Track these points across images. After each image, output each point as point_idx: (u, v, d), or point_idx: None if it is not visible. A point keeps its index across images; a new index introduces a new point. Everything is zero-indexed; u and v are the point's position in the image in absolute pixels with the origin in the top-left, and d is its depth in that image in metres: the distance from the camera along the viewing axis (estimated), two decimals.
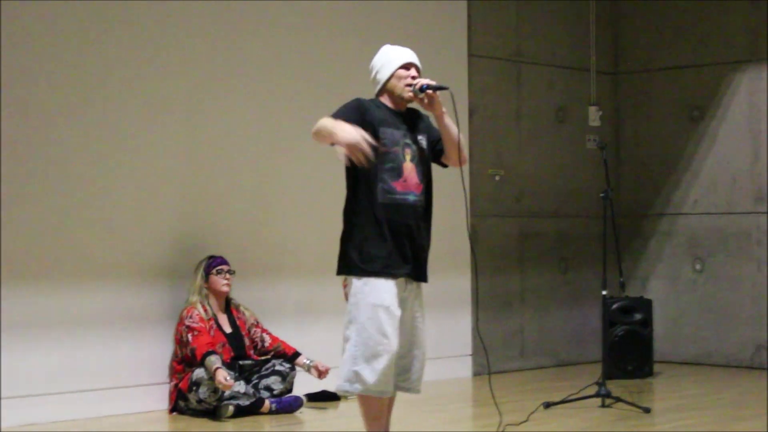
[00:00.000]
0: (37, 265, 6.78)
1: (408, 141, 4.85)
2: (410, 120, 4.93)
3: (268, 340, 7.36)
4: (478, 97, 9.07)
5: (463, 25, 9.02)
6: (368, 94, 5.00)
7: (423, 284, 4.94)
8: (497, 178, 9.24)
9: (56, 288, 6.83)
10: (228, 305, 7.32)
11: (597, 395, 7.18)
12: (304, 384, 7.35)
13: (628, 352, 8.70)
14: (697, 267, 9.63)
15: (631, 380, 8.53)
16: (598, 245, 8.59)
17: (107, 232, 7.05)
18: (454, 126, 4.88)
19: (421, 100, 4.86)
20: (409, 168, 4.81)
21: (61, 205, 6.88)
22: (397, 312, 4.74)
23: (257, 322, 7.41)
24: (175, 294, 7.25)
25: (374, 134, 4.72)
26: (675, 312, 9.69)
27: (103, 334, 6.99)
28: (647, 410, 6.98)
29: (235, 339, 7.20)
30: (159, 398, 7.14)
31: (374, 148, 4.64)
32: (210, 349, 6.84)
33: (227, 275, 7.24)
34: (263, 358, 7.28)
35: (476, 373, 8.86)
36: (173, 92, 7.36)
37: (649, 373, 8.77)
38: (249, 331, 7.34)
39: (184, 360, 7.00)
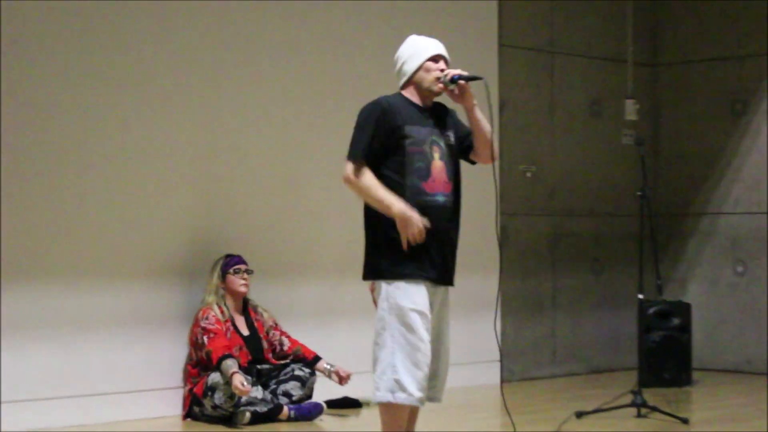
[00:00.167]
0: (44, 264, 6.79)
1: (435, 138, 4.82)
2: (437, 115, 4.90)
3: (287, 344, 7.36)
4: (509, 90, 9.03)
5: (493, 14, 8.98)
6: (396, 88, 4.96)
7: (450, 288, 4.92)
8: (528, 174, 9.21)
9: (64, 288, 6.84)
10: (245, 306, 7.32)
11: (632, 405, 7.15)
12: (324, 390, 7.34)
13: (665, 358, 8.66)
14: (739, 269, 9.58)
15: (668, 389, 8.49)
16: (634, 246, 8.53)
17: (118, 228, 7.05)
18: (485, 120, 4.85)
19: (452, 92, 4.83)
20: (438, 167, 4.78)
21: (68, 201, 6.89)
22: (429, 316, 4.73)
23: (276, 324, 7.40)
24: (190, 294, 7.26)
25: (400, 136, 4.70)
26: (715, 317, 9.64)
27: (114, 336, 7.00)
28: (685, 421, 6.94)
29: (253, 342, 7.20)
30: (172, 403, 7.14)
31: (401, 148, 4.65)
32: (226, 353, 6.84)
33: (245, 275, 7.24)
34: (282, 362, 7.28)
35: (504, 380, 8.83)
36: (187, 85, 7.36)
37: (688, 382, 8.73)
38: (267, 334, 7.33)
39: (199, 363, 7.00)
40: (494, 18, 8.98)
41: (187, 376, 7.11)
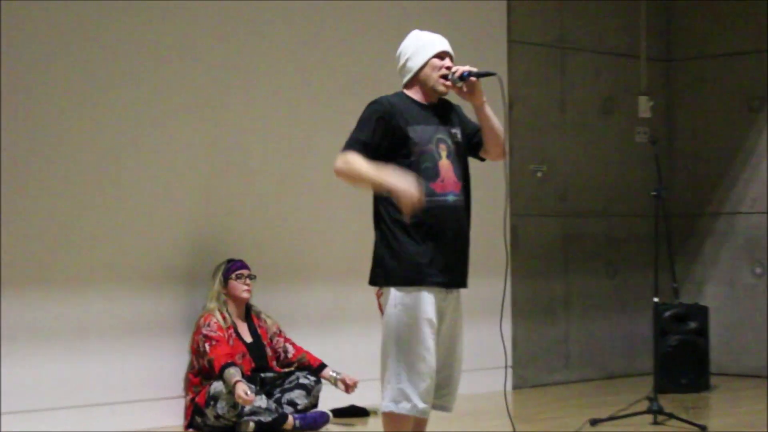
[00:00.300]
0: (41, 270, 6.80)
1: (442, 136, 4.79)
2: (442, 112, 4.87)
3: (291, 351, 7.36)
4: (519, 87, 9.03)
5: (502, 9, 8.99)
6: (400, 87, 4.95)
7: (462, 290, 4.90)
8: (539, 174, 9.21)
9: (62, 295, 6.85)
10: (248, 313, 7.32)
11: (648, 411, 7.15)
12: (330, 398, 7.34)
13: (681, 363, 8.66)
14: (757, 271, 9.58)
15: (685, 395, 8.49)
16: (649, 247, 8.53)
17: (117, 234, 7.06)
18: (495, 117, 4.83)
19: (460, 89, 4.80)
20: (446, 166, 4.76)
21: (66, 207, 6.90)
22: (437, 325, 4.70)
23: (280, 331, 7.40)
24: (191, 300, 7.26)
25: (404, 136, 4.69)
26: (733, 320, 9.63)
27: (113, 344, 7.01)
28: (703, 428, 6.93)
29: (256, 349, 7.20)
30: (174, 413, 7.15)
31: (407, 149, 4.63)
32: (229, 361, 6.84)
33: (248, 280, 7.24)
34: (286, 370, 7.28)
35: (516, 386, 8.83)
36: (188, 87, 7.37)
37: (705, 387, 8.72)
38: (271, 341, 7.33)
39: (201, 372, 7.00)
40: (503, 13, 8.98)
41: (189, 385, 7.11)
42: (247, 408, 6.78)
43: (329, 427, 7.14)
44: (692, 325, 8.80)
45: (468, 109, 4.96)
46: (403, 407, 4.67)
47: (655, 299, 7.42)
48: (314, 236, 7.88)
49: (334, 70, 8.01)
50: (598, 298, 9.57)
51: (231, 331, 7.12)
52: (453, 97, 4.93)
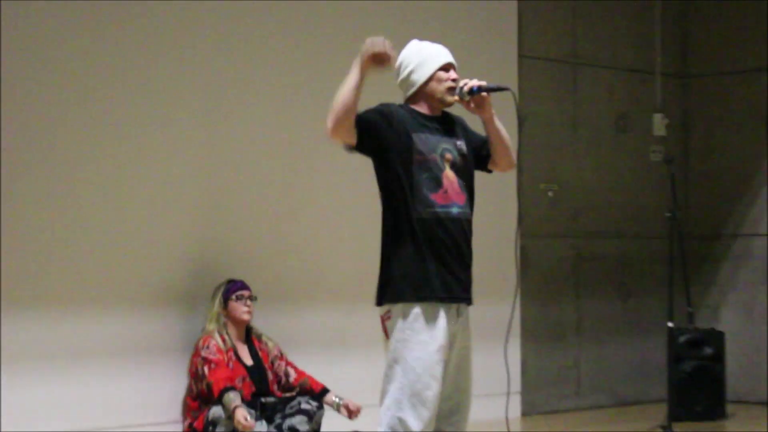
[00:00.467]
0: (37, 291, 6.81)
1: (446, 146, 4.79)
2: (446, 124, 4.88)
3: (293, 375, 7.35)
4: (530, 103, 9.03)
5: (513, 22, 9.00)
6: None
7: (468, 311, 4.88)
8: (550, 193, 9.21)
9: (58, 316, 6.86)
10: (249, 335, 7.32)
11: None
12: (332, 424, 7.32)
13: (697, 390, 8.64)
14: None
15: (700, 423, 8.48)
16: (664, 270, 8.53)
17: (114, 253, 7.07)
18: (503, 128, 4.84)
19: (467, 103, 4.80)
20: (450, 177, 4.76)
21: (63, 225, 6.91)
22: (446, 350, 4.68)
23: (281, 354, 7.40)
24: (189, 322, 7.26)
25: (407, 142, 4.69)
26: (750, 346, 9.62)
27: (109, 367, 7.01)
28: None
29: (257, 372, 7.19)
30: None
31: (409, 158, 4.65)
32: (229, 385, 6.83)
33: (248, 301, 7.24)
34: (288, 394, 7.26)
35: (525, 413, 8.81)
36: (187, 100, 7.38)
37: (722, 415, 8.71)
38: (272, 364, 7.33)
39: (200, 396, 7.00)
40: (514, 27, 9.00)
41: (187, 410, 7.11)
42: None
43: None
44: (708, 350, 8.79)
45: (471, 121, 4.97)
46: None
47: (670, 324, 7.42)
48: (317, 256, 7.88)
49: (337, 84, 7.99)
50: (611, 322, 9.56)
51: (231, 353, 7.11)
52: (458, 110, 4.93)
